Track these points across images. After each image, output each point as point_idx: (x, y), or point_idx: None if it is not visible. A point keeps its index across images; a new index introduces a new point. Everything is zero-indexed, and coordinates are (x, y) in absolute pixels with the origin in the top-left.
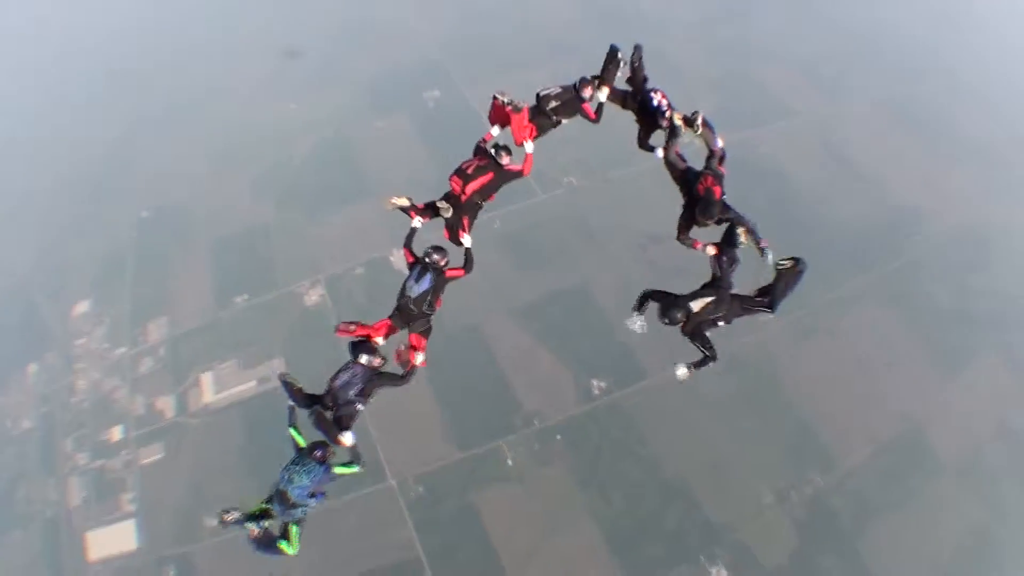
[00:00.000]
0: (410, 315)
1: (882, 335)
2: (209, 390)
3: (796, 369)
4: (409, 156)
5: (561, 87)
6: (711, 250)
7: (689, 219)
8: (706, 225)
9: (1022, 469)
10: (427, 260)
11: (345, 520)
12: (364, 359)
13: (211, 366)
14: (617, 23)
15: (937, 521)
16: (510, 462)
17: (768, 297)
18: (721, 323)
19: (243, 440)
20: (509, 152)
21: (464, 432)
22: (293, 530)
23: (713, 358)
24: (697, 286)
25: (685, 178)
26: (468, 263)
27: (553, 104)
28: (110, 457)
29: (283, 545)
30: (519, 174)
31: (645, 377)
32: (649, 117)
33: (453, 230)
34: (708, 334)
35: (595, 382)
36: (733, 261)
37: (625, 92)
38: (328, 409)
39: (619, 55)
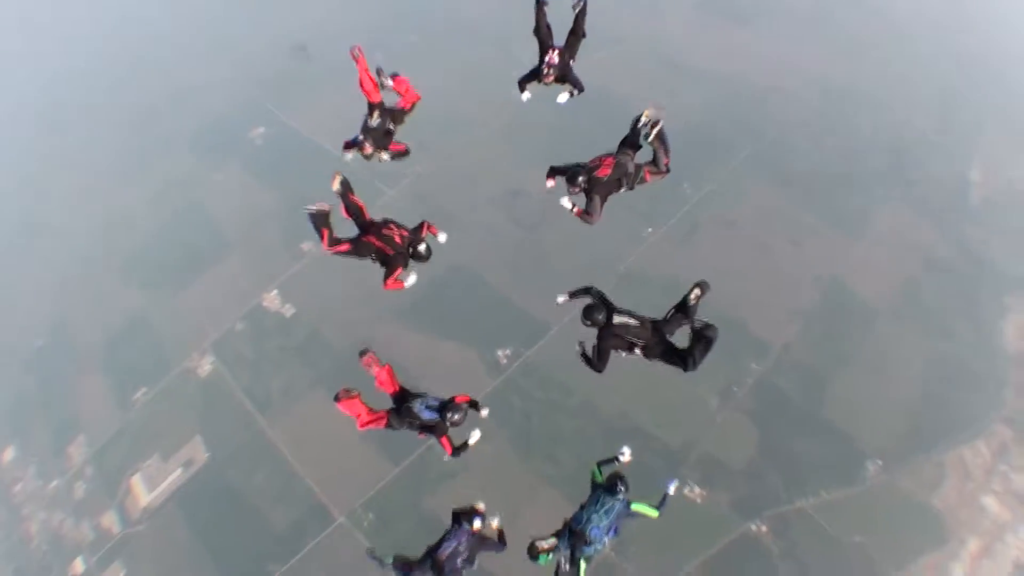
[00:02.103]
0: (398, 413)
1: (778, 214)
2: (142, 493)
3: (696, 268)
4: (254, 198)
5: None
6: (566, 202)
7: (570, 173)
8: (571, 188)
9: (961, 290)
10: (449, 412)
11: (311, 573)
12: (477, 523)
13: (137, 468)
14: (418, 9)
15: (891, 364)
16: (446, 457)
17: (689, 357)
18: (637, 352)
19: (190, 529)
20: (425, 257)
21: (391, 444)
22: (582, 567)
23: (595, 369)
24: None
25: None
26: (458, 451)
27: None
28: None
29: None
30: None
31: (548, 330)
32: (540, 68)
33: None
34: (613, 353)
35: (500, 352)
36: (682, 320)
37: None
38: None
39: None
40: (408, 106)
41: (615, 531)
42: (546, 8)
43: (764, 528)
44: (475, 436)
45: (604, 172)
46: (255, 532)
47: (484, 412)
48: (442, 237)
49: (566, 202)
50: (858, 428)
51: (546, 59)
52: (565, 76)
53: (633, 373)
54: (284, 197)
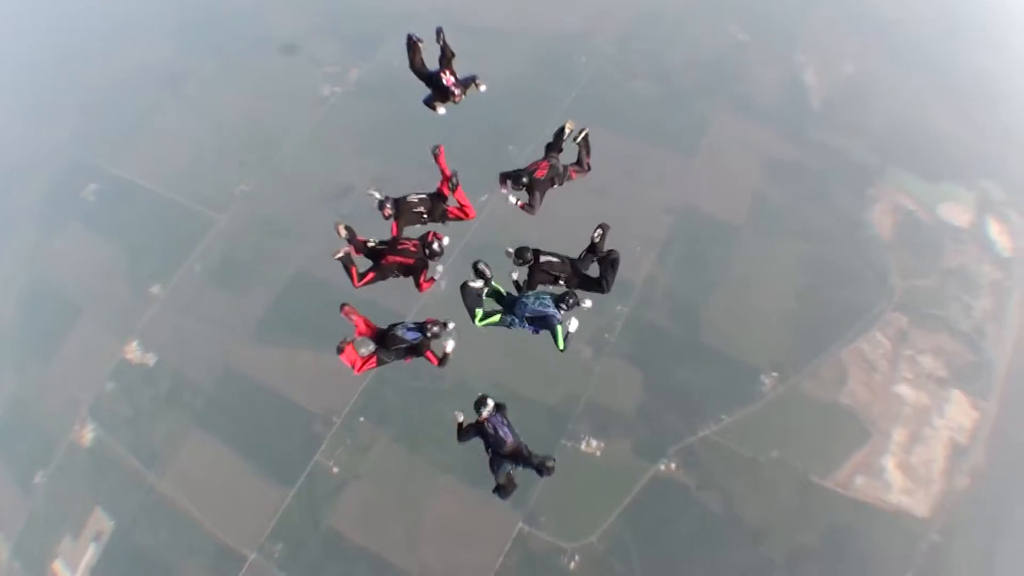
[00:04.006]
0: (384, 343)
1: (604, 151)
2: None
3: (538, 224)
4: (102, 256)
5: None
6: (512, 199)
7: (515, 176)
8: (515, 187)
9: (817, 191)
10: (428, 325)
11: None
12: (490, 402)
13: (55, 552)
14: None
15: (761, 276)
16: (336, 469)
17: (602, 280)
18: (560, 283)
19: None
20: (440, 253)
21: (280, 469)
22: (491, 319)
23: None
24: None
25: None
26: (443, 361)
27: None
28: None
29: (479, 314)
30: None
31: (403, 319)
32: (440, 93)
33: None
34: (543, 285)
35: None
36: (592, 257)
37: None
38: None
39: (414, 37)
40: (453, 215)
41: (535, 327)
42: (420, 44)
43: (673, 465)
44: (451, 345)
45: (540, 173)
46: None
47: (451, 324)
48: (446, 240)
49: (512, 199)
50: (742, 345)
51: (445, 83)
52: (466, 85)
53: (499, 344)
54: (125, 247)
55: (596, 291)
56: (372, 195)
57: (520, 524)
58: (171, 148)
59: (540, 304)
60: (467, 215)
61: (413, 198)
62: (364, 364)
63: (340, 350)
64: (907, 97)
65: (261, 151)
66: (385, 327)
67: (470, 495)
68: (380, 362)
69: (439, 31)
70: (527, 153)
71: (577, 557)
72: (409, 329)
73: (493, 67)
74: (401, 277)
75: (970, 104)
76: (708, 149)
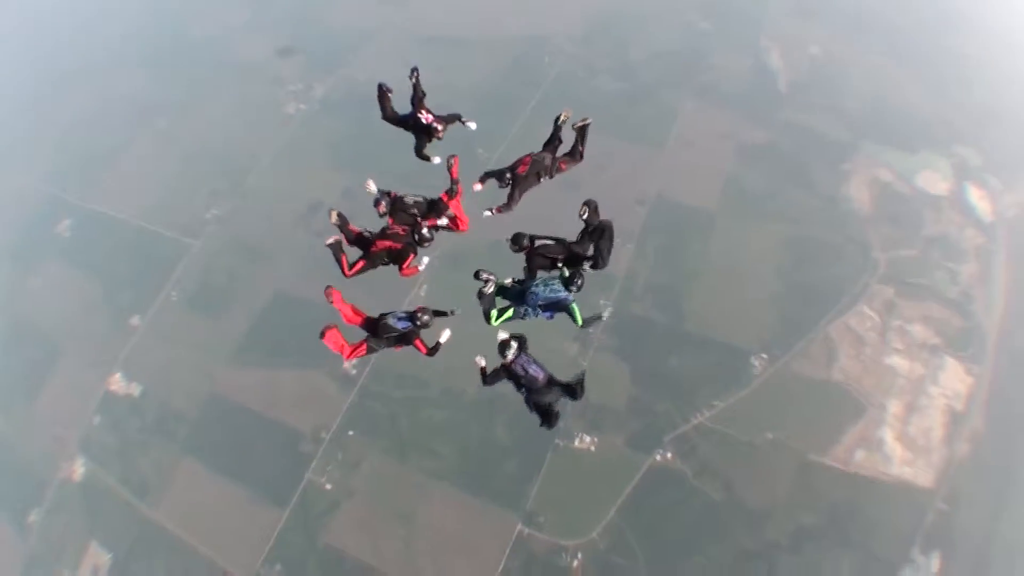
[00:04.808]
0: (375, 332)
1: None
2: None
3: (512, 225)
4: (80, 290)
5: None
6: (477, 187)
7: (497, 174)
8: (500, 185)
9: (791, 171)
10: (418, 315)
11: None
12: (514, 344)
13: None
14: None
15: (741, 259)
16: (329, 486)
17: (596, 256)
18: (559, 266)
19: None
20: (430, 239)
21: (272, 490)
22: (506, 315)
23: (532, 277)
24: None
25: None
26: (432, 351)
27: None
28: None
29: (493, 314)
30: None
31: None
32: (423, 133)
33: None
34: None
35: (346, 364)
36: (589, 237)
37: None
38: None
39: (385, 87)
40: (445, 221)
41: (550, 313)
42: (390, 95)
43: (669, 455)
44: (446, 335)
45: (523, 169)
46: None
47: (458, 310)
48: (442, 221)
49: (486, 213)
50: (729, 330)
51: (425, 123)
52: (449, 121)
53: (485, 347)
54: (102, 279)
55: (592, 268)
56: (369, 189)
57: (519, 526)
58: (141, 177)
59: (551, 291)
60: (458, 227)
61: (410, 199)
62: (354, 350)
63: (322, 335)
64: (875, 72)
65: (230, 173)
66: (373, 317)
67: (466, 502)
68: (370, 349)
69: (414, 70)
70: (496, 156)
71: (579, 555)
72: (400, 318)
73: (459, 74)
74: (390, 264)
75: (940, 73)
76: (678, 139)
